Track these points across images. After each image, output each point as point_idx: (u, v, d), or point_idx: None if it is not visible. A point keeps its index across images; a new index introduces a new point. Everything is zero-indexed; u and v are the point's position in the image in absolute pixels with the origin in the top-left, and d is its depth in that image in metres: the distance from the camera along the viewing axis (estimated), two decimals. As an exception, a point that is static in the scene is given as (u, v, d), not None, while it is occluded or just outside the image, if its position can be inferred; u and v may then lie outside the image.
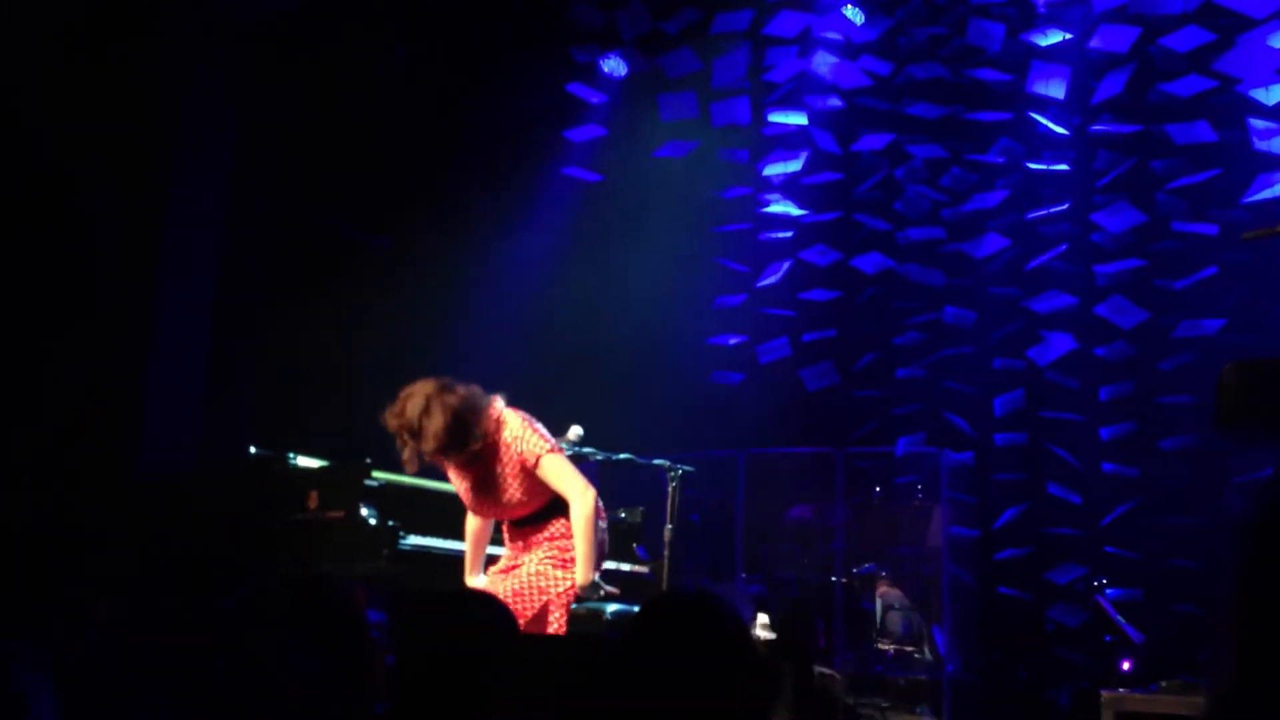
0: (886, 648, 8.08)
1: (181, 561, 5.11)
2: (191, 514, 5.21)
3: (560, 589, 4.34)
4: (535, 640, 3.88)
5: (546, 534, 4.44)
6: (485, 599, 2.65)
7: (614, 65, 8.89)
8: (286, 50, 7.04)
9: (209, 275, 6.54)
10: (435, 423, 4.17)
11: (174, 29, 6.50)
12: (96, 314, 5.93)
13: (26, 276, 5.74)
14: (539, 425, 4.44)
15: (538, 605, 4.30)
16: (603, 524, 4.49)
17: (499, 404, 4.40)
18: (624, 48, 8.78)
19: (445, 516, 5.24)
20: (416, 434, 4.19)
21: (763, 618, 6.30)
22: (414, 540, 5.08)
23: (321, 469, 5.25)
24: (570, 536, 4.35)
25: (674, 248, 8.64)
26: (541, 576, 4.35)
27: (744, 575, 7.95)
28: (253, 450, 5.53)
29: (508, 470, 4.34)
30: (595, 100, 8.93)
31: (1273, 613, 0.83)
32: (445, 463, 4.40)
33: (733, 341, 8.98)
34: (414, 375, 7.54)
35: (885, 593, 8.29)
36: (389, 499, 5.08)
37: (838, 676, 5.95)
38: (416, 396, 4.20)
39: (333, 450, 5.39)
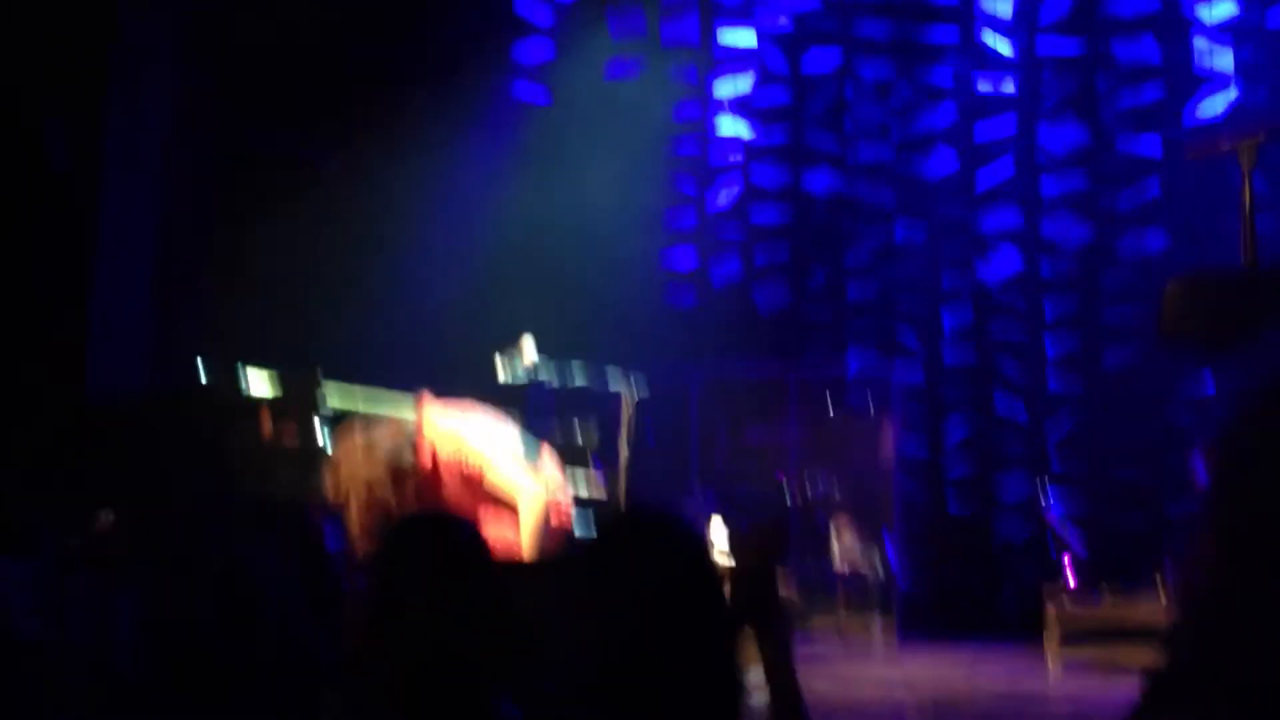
0: (841, 569, 8.21)
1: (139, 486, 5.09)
2: (144, 438, 5.18)
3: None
4: (510, 566, 3.91)
5: None
6: (463, 523, 2.67)
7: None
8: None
9: (154, 188, 6.44)
10: (361, 499, 4.10)
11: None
12: (40, 229, 5.83)
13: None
14: (472, 427, 4.33)
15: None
16: (566, 500, 4.52)
17: (427, 414, 4.27)
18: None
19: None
20: (348, 510, 4.10)
21: (715, 519, 6.38)
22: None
23: (274, 392, 5.21)
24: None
25: (625, 169, 8.59)
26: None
27: (698, 489, 8.04)
28: (200, 363, 5.46)
29: (454, 486, 4.31)
30: (543, 22, 8.81)
31: (1251, 526, 0.85)
32: None
33: (685, 264, 8.98)
34: (366, 291, 7.53)
35: (839, 519, 8.39)
36: (343, 423, 5.07)
37: (794, 596, 6.07)
38: (341, 474, 4.12)
39: (283, 361, 5.34)
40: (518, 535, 4.28)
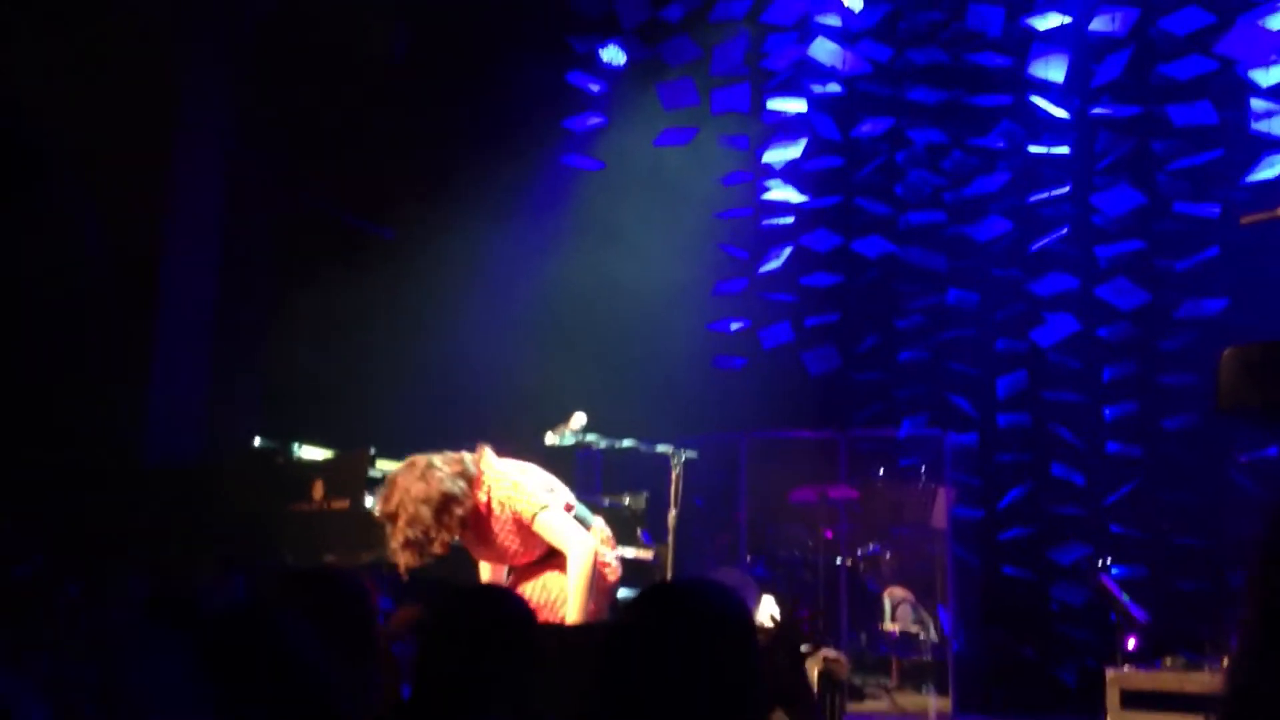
0: (892, 629, 8.13)
1: (189, 553, 5.16)
2: (199, 504, 5.26)
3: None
4: (551, 630, 3.91)
5: (551, 587, 4.43)
6: (507, 594, 2.70)
7: (613, 54, 8.91)
8: (287, 39, 7.06)
9: (211, 265, 6.58)
10: (409, 513, 4.11)
11: (176, 17, 6.53)
12: (102, 307, 5.97)
13: (30, 270, 5.77)
14: (530, 478, 4.36)
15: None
16: (613, 560, 4.51)
17: (486, 459, 4.32)
18: (623, 36, 8.79)
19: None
20: (396, 523, 4.15)
21: (768, 600, 6.34)
22: (420, 529, 5.11)
23: (326, 460, 5.29)
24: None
25: (675, 235, 8.66)
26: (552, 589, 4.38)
27: (748, 558, 7.99)
28: (258, 441, 5.57)
29: (505, 528, 4.30)
30: (595, 89, 8.94)
31: None
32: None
33: (734, 327, 9.01)
34: (418, 366, 7.64)
35: (893, 592, 8.31)
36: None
37: (843, 659, 5.99)
38: (396, 489, 4.16)
39: (337, 440, 5.43)
40: (562, 585, 4.29)
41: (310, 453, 5.25)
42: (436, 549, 4.14)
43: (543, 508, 4.24)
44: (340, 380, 7.06)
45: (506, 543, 4.32)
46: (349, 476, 5.04)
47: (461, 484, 4.17)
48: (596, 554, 4.31)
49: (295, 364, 6.89)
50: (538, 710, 2.46)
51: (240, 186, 6.74)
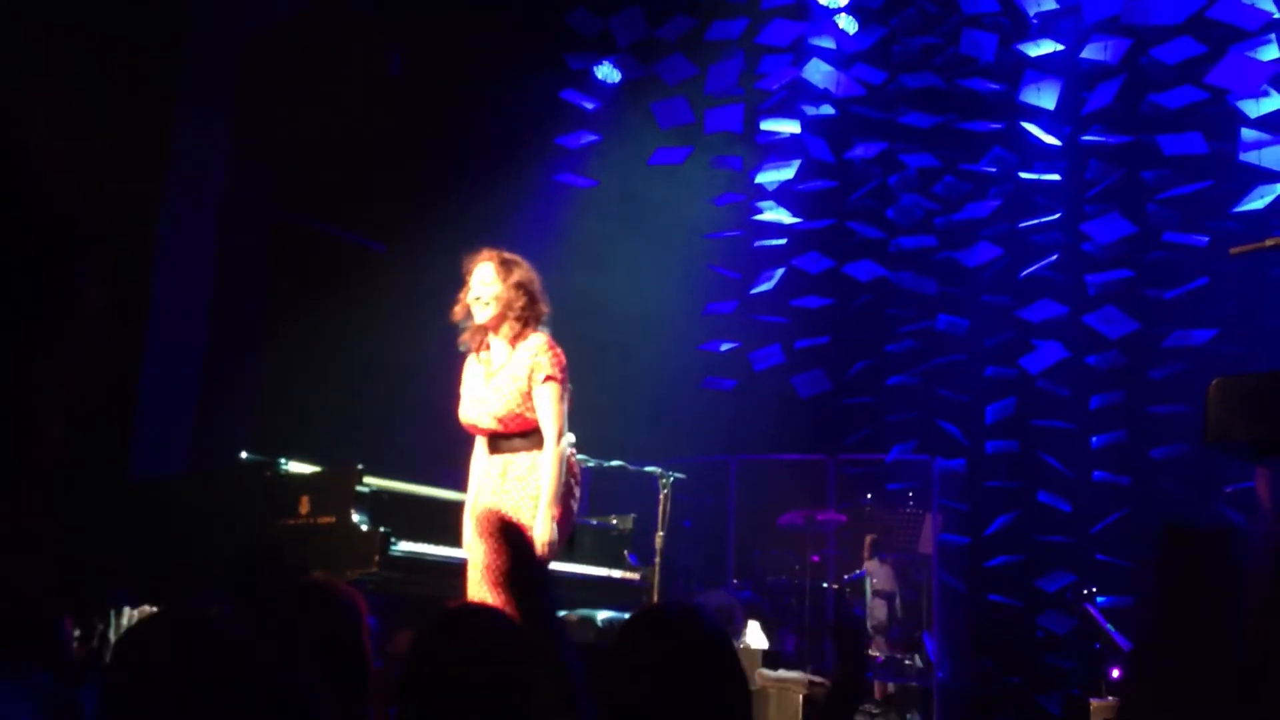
0: (877, 654, 8.10)
1: (174, 568, 5.12)
2: (183, 518, 5.21)
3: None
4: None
5: (524, 467, 4.32)
6: (496, 614, 2.68)
7: (607, 72, 8.92)
8: (282, 57, 7.05)
9: (203, 280, 6.55)
10: (516, 276, 4.30)
11: (173, 32, 6.52)
12: (89, 319, 5.94)
13: (20, 280, 5.73)
14: (563, 360, 4.40)
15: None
16: (575, 487, 4.42)
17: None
18: (619, 54, 8.81)
19: (437, 523, 5.24)
20: (494, 286, 4.27)
21: (754, 624, 6.32)
22: (405, 546, 5.08)
23: (313, 474, 5.25)
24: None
25: (667, 254, 8.66)
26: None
27: (735, 581, 7.97)
28: (244, 456, 5.53)
29: (515, 377, 4.28)
30: (589, 106, 8.95)
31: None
32: (483, 338, 4.36)
33: (724, 348, 9.00)
34: (407, 381, 7.61)
35: (873, 569, 8.30)
36: (380, 505, 5.08)
37: (828, 684, 5.96)
38: (521, 264, 4.34)
39: (325, 456, 5.39)
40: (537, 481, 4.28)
41: (298, 468, 5.21)
42: (494, 318, 4.27)
43: (558, 380, 4.26)
44: (331, 395, 7.02)
45: (508, 394, 4.26)
46: (336, 492, 5.00)
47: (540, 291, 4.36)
48: (569, 458, 4.30)
49: (286, 378, 6.86)
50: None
51: (234, 200, 6.72)
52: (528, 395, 4.26)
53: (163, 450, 6.11)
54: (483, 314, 4.28)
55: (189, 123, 6.54)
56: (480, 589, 4.20)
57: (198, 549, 5.08)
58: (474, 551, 4.27)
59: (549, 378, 4.24)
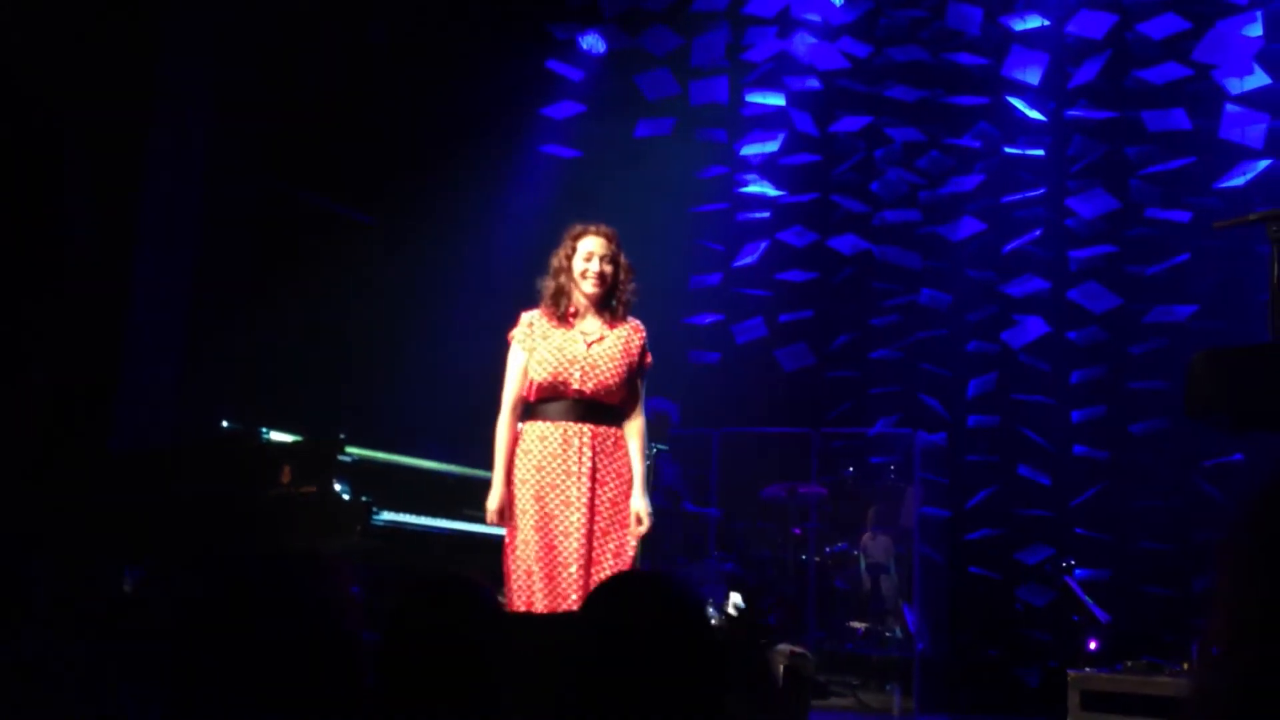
0: (858, 626, 8.16)
1: (155, 538, 5.11)
2: (164, 488, 5.19)
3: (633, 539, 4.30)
4: (519, 619, 3.89)
5: (612, 441, 4.32)
6: (472, 583, 2.67)
7: (592, 42, 8.86)
8: (266, 23, 6.98)
9: (188, 248, 6.50)
10: (625, 260, 4.46)
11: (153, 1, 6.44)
12: (72, 286, 5.89)
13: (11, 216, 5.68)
14: None
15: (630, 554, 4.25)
16: None
17: None
18: (604, 24, 8.75)
19: (419, 492, 5.24)
20: (609, 263, 4.38)
21: (735, 597, 6.34)
22: (387, 516, 5.08)
23: (294, 443, 5.24)
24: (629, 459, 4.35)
25: (651, 226, 8.63)
26: (625, 529, 4.27)
27: (717, 553, 7.99)
28: (225, 425, 5.51)
29: (629, 354, 4.38)
30: (574, 77, 8.90)
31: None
32: (569, 306, 4.39)
33: (708, 320, 9.00)
34: (392, 351, 7.58)
35: (868, 544, 8.37)
36: (362, 475, 5.08)
37: (809, 655, 6.00)
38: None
39: (308, 425, 5.37)
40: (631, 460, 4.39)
41: (280, 437, 5.19)
42: (604, 291, 4.40)
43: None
44: (317, 366, 6.99)
45: (620, 370, 4.34)
46: (318, 461, 4.99)
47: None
48: None
49: (269, 349, 6.83)
50: (504, 701, 2.44)
51: (219, 169, 6.66)
52: (635, 370, 4.39)
53: (146, 419, 6.08)
54: (593, 285, 4.36)
55: (172, 88, 6.46)
56: (529, 560, 4.17)
57: (181, 518, 5.06)
58: (555, 522, 4.23)
59: (650, 363, 4.46)
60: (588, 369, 4.30)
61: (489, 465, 4.44)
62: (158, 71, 6.39)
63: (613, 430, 4.33)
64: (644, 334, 4.46)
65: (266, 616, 2.07)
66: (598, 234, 4.45)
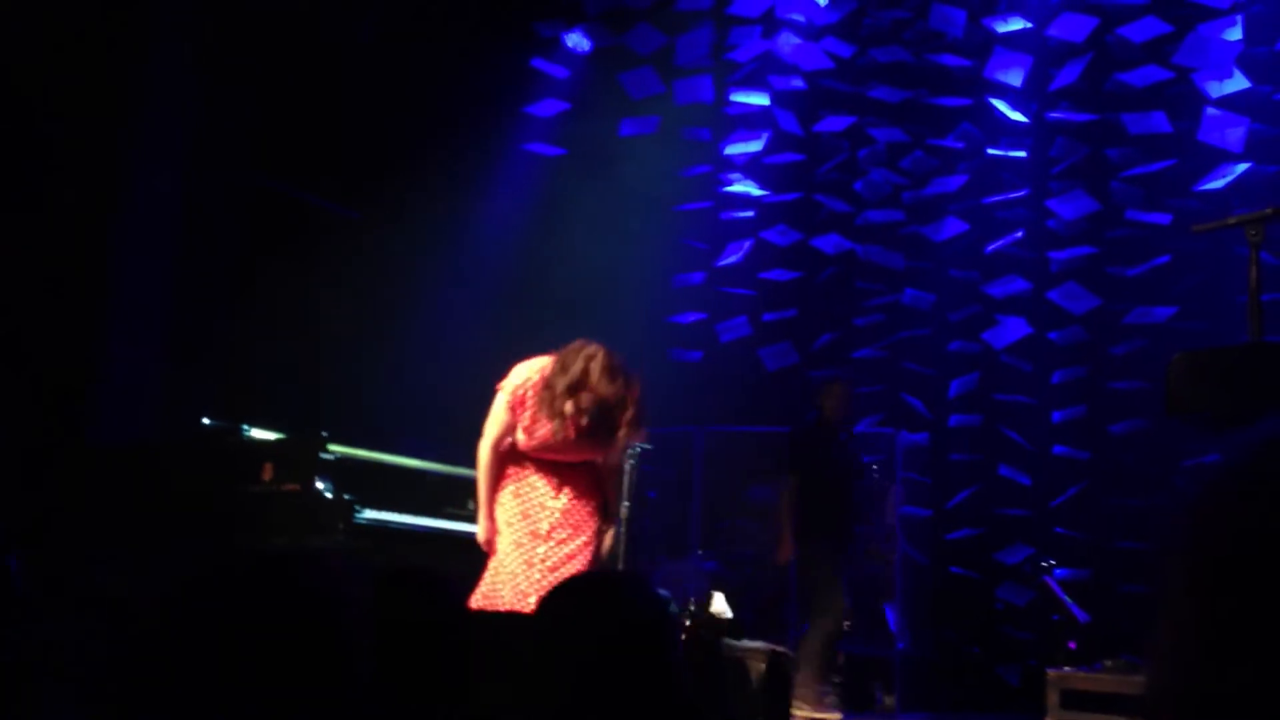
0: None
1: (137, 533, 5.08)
2: (148, 483, 5.17)
3: None
4: (484, 618, 3.89)
5: (595, 502, 4.41)
6: (436, 578, 2.67)
7: (577, 40, 8.86)
8: (252, 18, 6.95)
9: (169, 242, 6.46)
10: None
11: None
12: (56, 282, 5.86)
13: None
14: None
15: None
16: None
17: None
18: (589, 22, 8.75)
19: (401, 491, 5.24)
20: (630, 407, 4.33)
21: (719, 595, 6.36)
22: (370, 514, 5.08)
23: (277, 441, 5.23)
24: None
25: (635, 224, 8.64)
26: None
27: (700, 552, 8.00)
28: (207, 422, 5.50)
29: (621, 444, 4.44)
30: (559, 75, 8.90)
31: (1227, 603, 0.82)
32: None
33: (692, 319, 9.01)
34: (376, 348, 7.56)
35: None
36: (345, 473, 5.07)
37: (790, 654, 6.01)
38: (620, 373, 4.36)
39: (291, 423, 5.36)
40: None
41: (261, 434, 5.18)
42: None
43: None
44: (300, 362, 6.97)
45: (616, 440, 4.36)
46: (300, 459, 4.98)
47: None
48: None
49: (254, 346, 6.81)
50: (470, 700, 2.44)
51: (202, 163, 6.62)
52: (609, 471, 4.63)
53: (127, 415, 6.05)
54: (570, 431, 4.37)
55: (157, 81, 6.43)
56: (519, 586, 4.21)
57: (161, 514, 5.04)
58: (527, 552, 4.28)
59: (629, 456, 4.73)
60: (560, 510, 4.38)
61: (471, 464, 4.44)
62: (142, 64, 6.35)
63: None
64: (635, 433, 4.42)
65: (264, 610, 2.06)
66: (605, 377, 4.35)
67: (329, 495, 4.94)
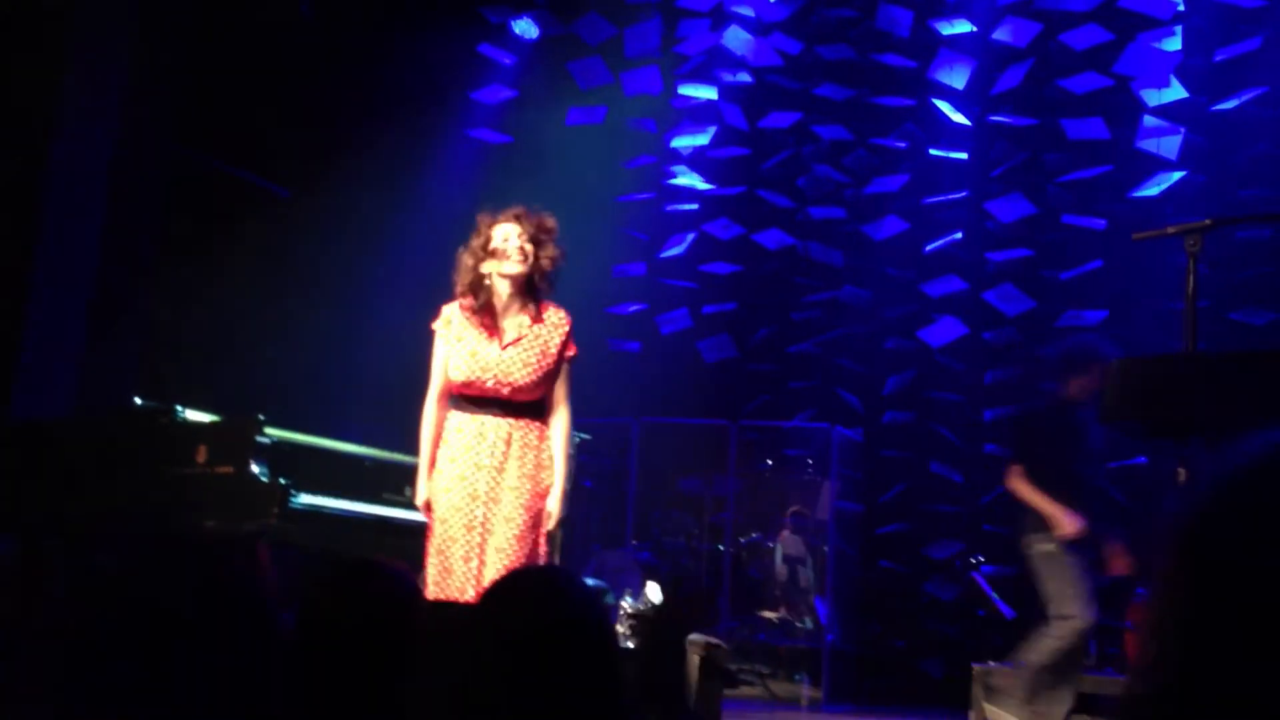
0: (771, 616, 8.25)
1: (60, 513, 4.97)
2: (65, 459, 5.05)
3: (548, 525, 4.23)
4: (437, 608, 3.86)
5: (534, 438, 4.21)
6: (390, 568, 2.65)
7: (525, 27, 8.80)
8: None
9: (96, 215, 6.30)
10: (550, 249, 4.25)
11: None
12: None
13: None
14: None
15: (536, 544, 4.16)
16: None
17: None
18: (537, 9, 8.70)
19: (338, 476, 5.18)
20: (541, 245, 4.22)
21: (652, 585, 6.38)
22: (305, 499, 5.01)
23: (211, 423, 5.13)
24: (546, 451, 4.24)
25: (577, 214, 8.60)
26: (537, 511, 4.20)
27: (634, 543, 8.03)
28: (138, 401, 5.38)
29: (547, 350, 4.20)
30: (505, 61, 8.83)
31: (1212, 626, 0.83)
32: (488, 297, 4.23)
33: (631, 309, 9.02)
34: (310, 330, 7.46)
35: (786, 538, 8.46)
36: (281, 456, 5.00)
37: (724, 646, 6.05)
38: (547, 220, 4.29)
39: (224, 404, 5.27)
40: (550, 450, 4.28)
41: (196, 416, 5.07)
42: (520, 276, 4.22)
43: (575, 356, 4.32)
44: (232, 342, 6.86)
45: (542, 363, 4.18)
46: (235, 442, 4.89)
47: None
48: None
49: (181, 323, 6.68)
50: (417, 692, 2.42)
51: (132, 135, 6.46)
52: (554, 368, 4.22)
53: (46, 390, 5.90)
54: (517, 263, 4.20)
55: (86, 51, 6.26)
56: (448, 555, 4.10)
57: (86, 495, 4.93)
58: (459, 514, 4.16)
59: (575, 355, 4.26)
60: (501, 375, 4.17)
61: (409, 449, 4.39)
62: (70, 34, 6.17)
63: (533, 424, 4.20)
64: (567, 328, 4.25)
65: (183, 593, 2.03)
66: (513, 219, 4.28)
67: (264, 479, 4.87)
